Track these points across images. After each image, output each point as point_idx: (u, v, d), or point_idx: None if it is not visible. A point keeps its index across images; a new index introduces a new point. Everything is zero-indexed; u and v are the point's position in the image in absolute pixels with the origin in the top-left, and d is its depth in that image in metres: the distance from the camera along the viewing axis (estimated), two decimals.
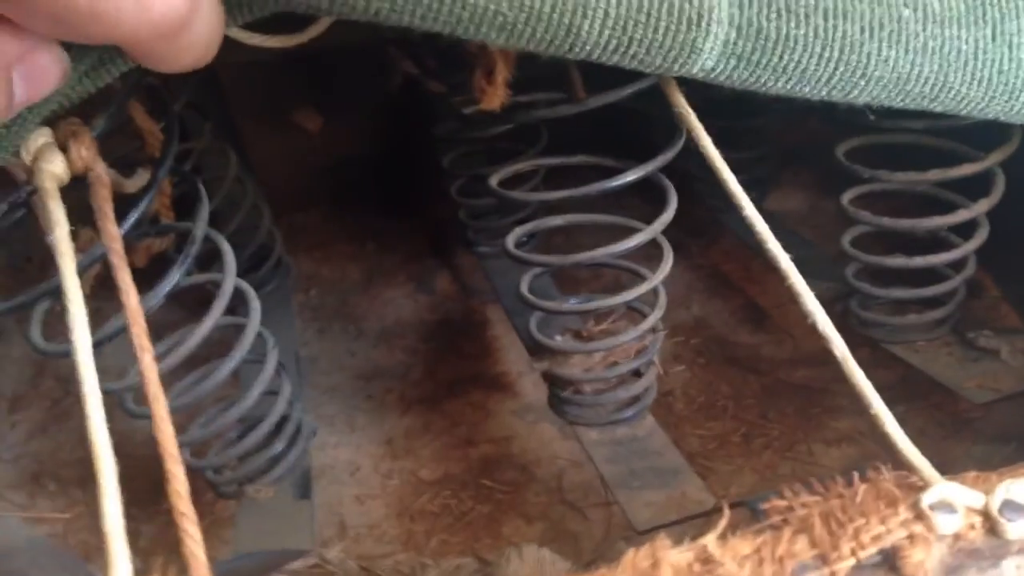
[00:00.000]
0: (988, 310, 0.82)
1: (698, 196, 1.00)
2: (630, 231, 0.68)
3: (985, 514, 0.39)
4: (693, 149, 0.53)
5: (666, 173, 0.66)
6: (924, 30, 0.45)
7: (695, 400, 0.84)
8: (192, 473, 0.67)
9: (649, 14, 0.42)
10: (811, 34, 0.43)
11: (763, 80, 0.44)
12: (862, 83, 0.44)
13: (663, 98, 0.55)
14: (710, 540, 0.39)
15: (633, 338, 0.68)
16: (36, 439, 0.88)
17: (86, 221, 0.59)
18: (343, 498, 0.79)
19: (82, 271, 0.51)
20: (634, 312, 0.72)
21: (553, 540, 0.72)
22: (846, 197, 0.73)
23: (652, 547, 0.39)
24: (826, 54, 0.44)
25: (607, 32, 0.42)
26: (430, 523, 0.75)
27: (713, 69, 0.44)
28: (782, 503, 0.41)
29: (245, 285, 0.65)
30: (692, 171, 0.97)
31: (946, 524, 0.38)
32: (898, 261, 0.71)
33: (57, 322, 0.68)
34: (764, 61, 0.44)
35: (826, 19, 0.44)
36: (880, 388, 0.82)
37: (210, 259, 0.69)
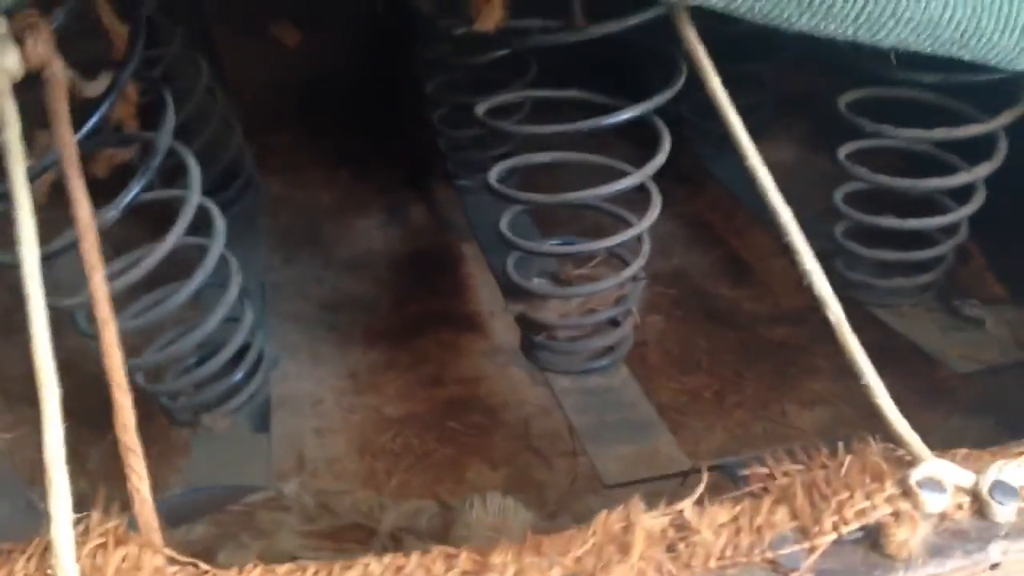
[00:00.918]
0: (973, 279, 0.81)
1: (687, 142, 0.97)
2: (618, 173, 0.65)
3: (974, 494, 0.37)
4: (687, 92, 0.50)
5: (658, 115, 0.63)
6: None
7: (670, 352, 0.82)
8: (146, 398, 0.64)
9: None
10: None
11: (787, 14, 0.41)
12: (891, 23, 0.41)
13: (667, 34, 0.52)
14: (687, 506, 0.37)
15: (613, 285, 0.66)
16: None
17: (44, 124, 0.56)
18: (303, 431, 0.76)
19: (34, 177, 0.48)
20: (615, 258, 0.70)
21: (517, 488, 0.70)
22: (843, 151, 0.70)
23: (626, 510, 0.37)
24: None
25: None
26: (391, 462, 0.73)
27: None
28: (763, 470, 0.39)
29: (210, 204, 0.62)
30: (684, 114, 0.94)
31: (933, 503, 0.36)
32: (892, 221, 0.69)
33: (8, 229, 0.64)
34: None
35: None
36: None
37: (176, 175, 0.65)
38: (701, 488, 0.38)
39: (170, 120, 0.58)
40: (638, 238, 0.66)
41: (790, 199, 0.93)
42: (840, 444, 0.39)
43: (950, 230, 0.71)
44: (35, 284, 0.39)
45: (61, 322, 0.88)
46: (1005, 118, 0.63)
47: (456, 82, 0.89)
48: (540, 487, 0.71)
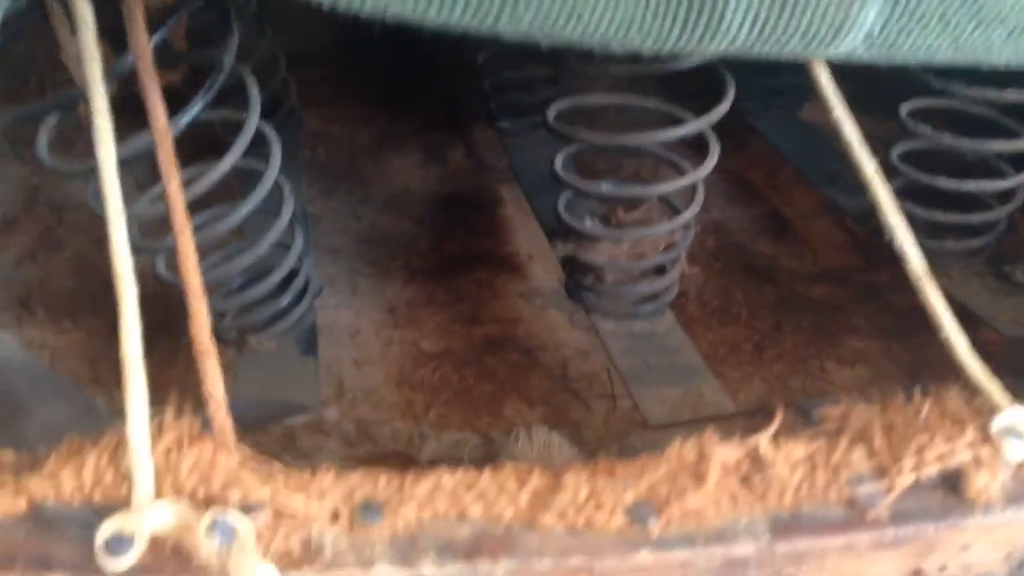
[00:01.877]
0: (1021, 246, 0.80)
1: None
2: (676, 120, 0.64)
3: None
4: None
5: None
6: None
7: (709, 304, 0.82)
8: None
9: None
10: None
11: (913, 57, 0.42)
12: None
13: None
14: (762, 440, 0.37)
15: (666, 231, 0.65)
16: (25, 265, 0.85)
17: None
18: (342, 360, 0.76)
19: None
20: (664, 205, 0.69)
21: (554, 427, 0.70)
22: (905, 108, 0.69)
23: (700, 440, 0.37)
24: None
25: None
26: (429, 395, 0.73)
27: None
28: (838, 410, 0.39)
29: (268, 127, 0.61)
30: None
31: (1014, 451, 0.36)
32: (949, 183, 0.68)
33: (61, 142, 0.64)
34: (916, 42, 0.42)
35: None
36: (899, 313, 0.80)
37: (224, 98, 0.64)
38: (777, 423, 0.38)
39: (234, 41, 0.57)
40: (692, 186, 0.65)
41: (837, 157, 0.92)
42: (916, 388, 0.39)
43: (1005, 196, 0.70)
44: (113, 185, 0.38)
45: (103, 242, 0.89)
46: None
47: None
48: (577, 427, 0.71)
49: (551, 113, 0.65)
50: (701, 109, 0.66)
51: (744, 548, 0.34)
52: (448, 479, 0.36)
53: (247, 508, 0.34)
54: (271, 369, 0.63)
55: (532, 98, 0.94)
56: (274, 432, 0.66)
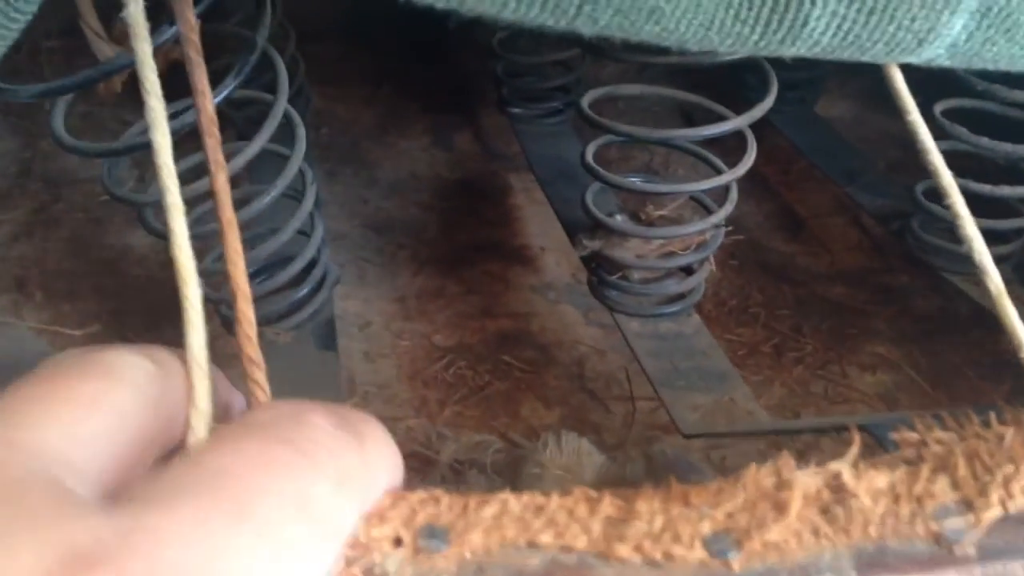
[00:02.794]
0: None
1: (746, 88, 0.94)
2: (714, 116, 0.63)
3: None
4: None
5: None
6: None
7: (726, 303, 0.81)
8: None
9: None
10: None
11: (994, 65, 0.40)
12: None
13: None
14: (844, 467, 0.35)
15: (697, 230, 0.64)
16: (21, 243, 0.81)
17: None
18: (351, 352, 0.74)
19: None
20: (694, 202, 0.68)
21: (573, 429, 0.68)
22: (939, 108, 0.68)
23: (777, 466, 0.36)
24: None
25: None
26: (444, 392, 0.72)
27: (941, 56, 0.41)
28: (914, 436, 0.38)
29: (292, 111, 0.59)
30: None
31: None
32: (983, 188, 0.67)
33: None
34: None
35: None
36: (917, 319, 0.79)
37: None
38: (855, 449, 0.36)
39: (267, 18, 0.54)
40: (726, 185, 0.64)
41: (856, 155, 0.91)
42: (992, 414, 0.38)
43: None
44: (170, 173, 0.36)
45: (102, 221, 0.85)
46: None
47: None
48: (596, 429, 0.69)
49: (585, 102, 0.63)
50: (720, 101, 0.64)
51: None
52: (515, 503, 0.34)
53: None
54: (288, 363, 0.60)
55: (547, 84, 0.91)
56: None
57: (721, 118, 0.61)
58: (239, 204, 0.58)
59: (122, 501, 0.22)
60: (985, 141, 0.67)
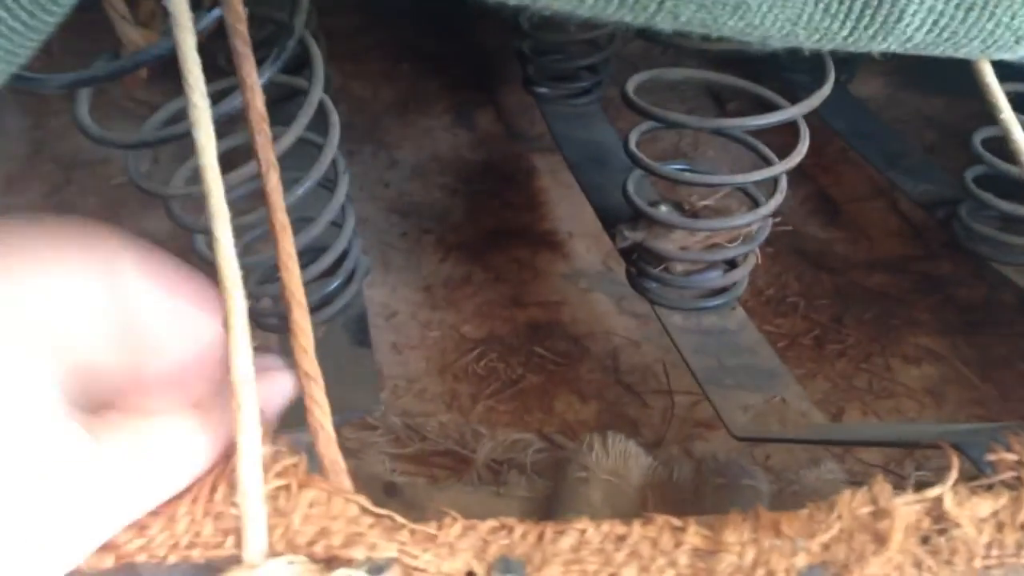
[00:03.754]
0: None
1: (780, 69, 0.91)
2: (760, 102, 0.60)
3: None
4: None
5: None
6: None
7: (763, 292, 0.78)
8: None
9: None
10: None
11: None
12: None
13: None
14: (946, 494, 0.33)
15: (745, 223, 0.61)
16: None
17: None
18: (380, 344, 0.72)
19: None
20: (740, 193, 0.65)
21: (610, 425, 0.66)
22: None
23: (872, 493, 0.33)
24: None
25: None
26: (476, 386, 0.69)
27: None
28: (1011, 457, 0.35)
29: (327, 98, 0.56)
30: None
31: None
32: None
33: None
34: None
35: None
36: (962, 308, 0.77)
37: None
38: (954, 474, 0.34)
39: (304, 5, 0.51)
40: (775, 177, 0.61)
41: (895, 137, 0.88)
42: None
43: None
44: (214, 175, 0.33)
45: (116, 205, 0.83)
46: None
47: None
48: (634, 425, 0.67)
49: (630, 87, 0.60)
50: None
51: None
52: (594, 533, 0.32)
53: (375, 568, 0.30)
54: (320, 361, 0.57)
55: (575, 64, 0.88)
56: None
57: (767, 103, 0.58)
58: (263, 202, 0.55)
59: None
60: None
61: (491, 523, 0.33)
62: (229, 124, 0.52)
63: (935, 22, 0.37)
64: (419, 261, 0.81)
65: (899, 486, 0.34)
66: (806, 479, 0.56)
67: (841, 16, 0.36)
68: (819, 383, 0.70)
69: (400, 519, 0.32)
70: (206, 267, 0.63)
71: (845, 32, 0.37)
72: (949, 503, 0.33)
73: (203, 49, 0.35)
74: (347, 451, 0.60)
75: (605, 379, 0.71)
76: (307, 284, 0.60)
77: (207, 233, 0.52)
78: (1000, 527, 0.33)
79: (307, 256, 0.59)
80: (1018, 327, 0.74)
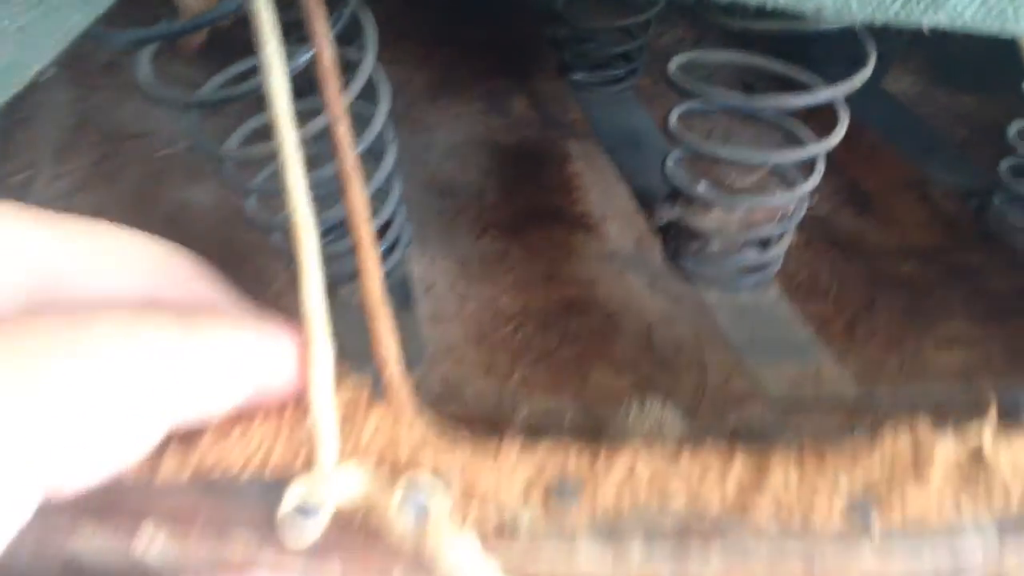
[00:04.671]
0: None
1: (810, 60, 0.92)
2: (802, 86, 0.61)
3: None
4: None
5: None
6: None
7: (795, 278, 0.79)
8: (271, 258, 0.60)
9: None
10: None
11: None
12: None
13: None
14: (986, 437, 0.34)
15: (783, 201, 0.62)
16: (81, 196, 0.80)
17: None
18: (417, 315, 0.73)
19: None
20: (776, 175, 0.66)
21: (644, 395, 0.67)
22: None
23: (915, 433, 0.35)
24: None
25: None
26: (512, 356, 0.71)
27: None
28: None
29: (379, 67, 0.57)
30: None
31: None
32: None
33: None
34: None
35: None
36: (994, 296, 0.78)
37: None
38: (993, 417, 0.35)
39: None
40: (813, 157, 0.62)
41: (928, 132, 0.89)
42: None
43: None
44: (287, 119, 0.35)
45: (162, 175, 0.85)
46: None
47: None
48: (668, 397, 0.68)
49: (672, 66, 0.61)
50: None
51: (972, 558, 0.32)
52: (646, 454, 0.34)
53: (438, 483, 0.31)
54: (363, 324, 0.59)
55: (612, 50, 0.90)
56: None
57: (804, 88, 0.59)
58: (312, 163, 0.57)
59: None
60: None
61: (548, 445, 0.34)
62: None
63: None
64: (456, 238, 0.82)
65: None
66: None
67: None
68: (849, 365, 0.71)
69: (462, 440, 0.34)
70: (254, 234, 0.65)
71: (896, 6, 0.38)
72: (988, 446, 0.34)
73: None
74: None
75: (639, 354, 0.72)
76: (351, 251, 0.62)
77: (263, 192, 0.54)
78: None
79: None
80: None
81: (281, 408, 0.33)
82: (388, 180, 0.61)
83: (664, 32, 1.04)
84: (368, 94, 0.62)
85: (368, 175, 0.59)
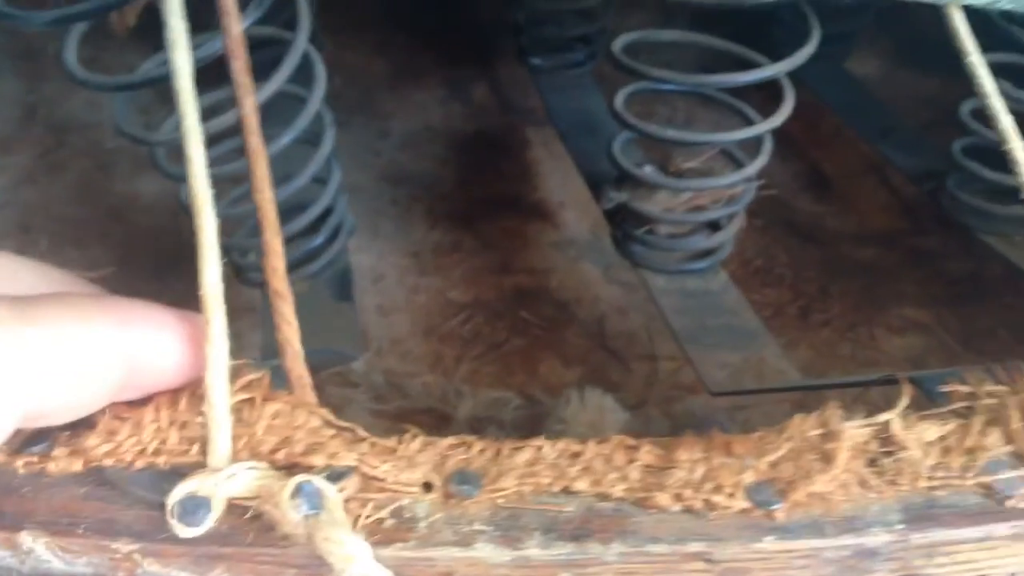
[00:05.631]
0: None
1: (775, 44, 0.91)
2: (748, 63, 0.60)
3: None
4: None
5: None
6: None
7: (751, 263, 0.79)
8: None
9: None
10: None
11: None
12: None
13: None
14: (893, 419, 0.34)
15: (730, 183, 0.61)
16: (25, 188, 0.79)
17: None
18: (365, 307, 0.73)
19: None
20: (724, 156, 0.65)
21: (593, 388, 0.67)
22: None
23: (824, 416, 0.34)
24: None
25: None
26: (459, 348, 0.70)
27: None
28: (965, 388, 0.36)
29: (312, 48, 0.56)
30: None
31: None
32: None
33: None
34: None
35: None
36: (949, 281, 0.77)
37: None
38: (905, 400, 0.35)
39: None
40: (759, 136, 0.62)
41: (889, 114, 0.88)
42: None
43: None
44: (188, 96, 0.34)
45: (108, 167, 0.84)
46: None
47: None
48: (617, 388, 0.67)
49: (617, 46, 0.60)
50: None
51: (876, 538, 0.31)
52: (549, 449, 0.33)
53: (334, 475, 0.31)
54: (303, 313, 0.58)
55: (569, 33, 0.89)
56: None
57: (752, 65, 0.59)
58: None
59: None
60: None
61: (450, 440, 0.33)
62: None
63: None
64: (408, 228, 0.82)
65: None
66: None
67: None
68: (802, 352, 0.71)
69: (361, 432, 0.33)
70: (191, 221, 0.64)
71: None
72: (896, 427, 0.33)
73: None
74: (329, 406, 0.61)
75: (590, 344, 0.71)
76: (290, 240, 0.61)
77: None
78: (947, 451, 0.33)
79: (290, 212, 0.60)
80: (1005, 299, 0.74)
81: (176, 399, 0.32)
82: (327, 166, 0.60)
83: (630, 15, 1.03)
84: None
85: (306, 160, 0.58)
